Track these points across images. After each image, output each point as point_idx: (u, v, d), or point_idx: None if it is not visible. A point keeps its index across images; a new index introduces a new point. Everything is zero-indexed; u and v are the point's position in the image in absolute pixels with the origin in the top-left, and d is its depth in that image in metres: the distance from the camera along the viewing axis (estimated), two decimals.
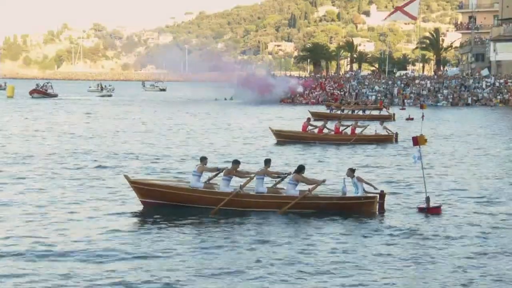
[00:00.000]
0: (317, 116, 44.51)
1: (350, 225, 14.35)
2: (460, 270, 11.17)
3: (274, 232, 13.54)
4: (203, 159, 15.94)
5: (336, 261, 11.59)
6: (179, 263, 11.19)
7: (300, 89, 74.69)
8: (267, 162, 15.92)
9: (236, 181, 15.76)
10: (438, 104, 69.53)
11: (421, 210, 15.61)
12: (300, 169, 15.48)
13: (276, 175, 15.99)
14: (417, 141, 15.97)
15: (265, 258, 11.60)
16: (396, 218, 14.97)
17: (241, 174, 15.70)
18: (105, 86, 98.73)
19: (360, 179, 15.57)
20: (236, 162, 15.70)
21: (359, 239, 13.20)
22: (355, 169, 15.98)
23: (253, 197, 15.27)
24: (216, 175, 15.92)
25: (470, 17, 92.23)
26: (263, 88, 71.82)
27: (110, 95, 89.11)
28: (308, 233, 13.53)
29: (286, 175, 15.79)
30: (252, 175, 15.55)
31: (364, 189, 15.51)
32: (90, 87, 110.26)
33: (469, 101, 69.89)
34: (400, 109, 60.83)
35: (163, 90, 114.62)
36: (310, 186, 15.42)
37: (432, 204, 15.69)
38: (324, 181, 15.85)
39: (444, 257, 11.95)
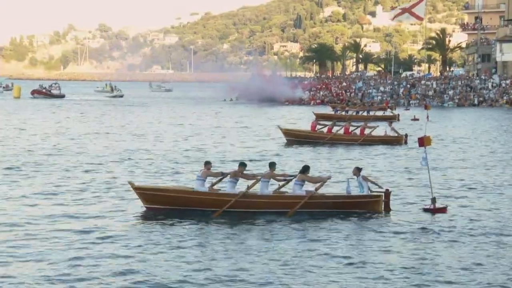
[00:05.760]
0: (322, 117, 44.59)
1: (356, 224, 14.42)
2: (465, 271, 11.22)
3: (279, 232, 13.59)
4: (207, 163, 15.72)
5: (341, 260, 11.66)
6: (184, 268, 11.20)
7: (300, 93, 74.24)
8: (272, 165, 15.81)
9: (241, 185, 15.70)
10: (444, 104, 69.53)
11: (426, 210, 15.71)
12: (305, 169, 15.49)
13: (282, 178, 15.91)
14: (423, 142, 16.06)
15: (271, 259, 11.67)
16: (401, 218, 15.02)
17: (247, 177, 15.60)
18: (115, 86, 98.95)
19: (365, 178, 15.66)
20: (242, 165, 15.61)
21: (364, 238, 13.26)
22: (361, 168, 16.08)
23: (259, 198, 15.25)
24: (220, 180, 15.77)
25: (476, 18, 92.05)
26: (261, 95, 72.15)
27: (121, 96, 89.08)
28: (313, 232, 13.59)
29: (292, 177, 15.74)
30: (259, 177, 15.49)
31: (369, 188, 15.63)
32: (97, 87, 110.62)
33: (475, 102, 69.85)
34: (405, 109, 60.85)
35: (169, 90, 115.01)
36: (316, 185, 15.48)
37: (438, 205, 15.80)
38: (329, 177, 15.88)
39: (449, 257, 12.01)
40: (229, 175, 15.56)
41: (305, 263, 11.42)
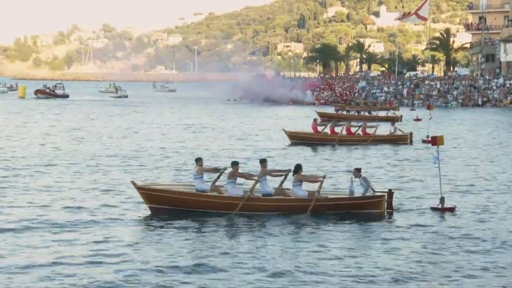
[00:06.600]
0: (324, 116, 44.80)
1: (359, 225, 14.42)
2: (473, 271, 11.23)
3: (281, 233, 13.58)
4: (198, 160, 15.71)
5: (346, 260, 11.70)
6: (185, 268, 11.17)
7: (302, 94, 74.19)
8: (263, 161, 15.78)
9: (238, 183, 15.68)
10: (448, 104, 69.49)
11: (434, 209, 15.73)
12: (298, 168, 15.47)
13: (278, 174, 15.90)
14: (436, 141, 16.07)
15: (272, 260, 11.69)
16: (409, 217, 15.05)
17: (244, 175, 15.65)
18: (119, 87, 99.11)
19: (365, 179, 15.68)
20: (235, 163, 15.51)
21: (368, 238, 13.27)
22: (360, 169, 16.11)
23: (267, 201, 15.25)
24: (219, 176, 15.69)
25: (480, 18, 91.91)
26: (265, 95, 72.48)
27: (126, 96, 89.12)
28: (315, 234, 13.58)
29: (286, 171, 15.74)
30: (256, 177, 15.43)
31: (372, 188, 15.66)
32: (101, 87, 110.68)
33: (479, 102, 69.79)
34: (410, 110, 60.82)
35: (173, 91, 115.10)
36: (315, 186, 15.49)
37: (446, 205, 15.78)
38: (325, 176, 15.85)
39: (456, 257, 12.04)
40: (226, 175, 15.48)
41: (307, 264, 11.41)
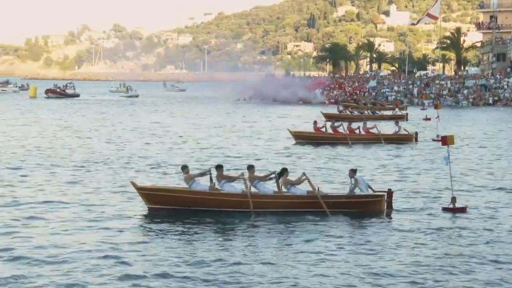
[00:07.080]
0: (328, 116, 44.92)
1: (360, 225, 14.37)
2: (483, 273, 11.17)
3: (281, 232, 13.57)
4: (184, 168, 15.64)
5: (348, 260, 11.67)
6: (185, 268, 11.14)
7: (313, 95, 74.05)
8: (251, 167, 15.73)
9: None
10: (459, 104, 69.21)
11: (446, 210, 15.64)
12: (283, 171, 15.49)
13: (268, 177, 15.78)
14: (446, 140, 16.00)
15: (272, 258, 11.66)
16: (420, 218, 14.95)
17: (231, 177, 15.74)
18: (129, 86, 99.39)
19: (357, 180, 15.61)
20: (218, 168, 15.53)
21: (370, 238, 13.17)
22: (356, 170, 16.09)
23: (275, 198, 15.26)
24: (211, 178, 15.45)
25: (491, 17, 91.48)
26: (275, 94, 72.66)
27: (137, 96, 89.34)
28: (315, 233, 13.52)
29: (273, 173, 15.73)
30: (241, 176, 15.46)
31: (371, 188, 15.66)
32: (112, 87, 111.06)
33: (490, 101, 69.44)
34: (421, 109, 60.66)
35: (183, 90, 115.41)
36: (305, 184, 15.49)
37: (457, 205, 15.69)
38: (304, 173, 15.81)
39: (468, 257, 11.96)
40: (216, 179, 15.46)
41: (306, 265, 11.34)
